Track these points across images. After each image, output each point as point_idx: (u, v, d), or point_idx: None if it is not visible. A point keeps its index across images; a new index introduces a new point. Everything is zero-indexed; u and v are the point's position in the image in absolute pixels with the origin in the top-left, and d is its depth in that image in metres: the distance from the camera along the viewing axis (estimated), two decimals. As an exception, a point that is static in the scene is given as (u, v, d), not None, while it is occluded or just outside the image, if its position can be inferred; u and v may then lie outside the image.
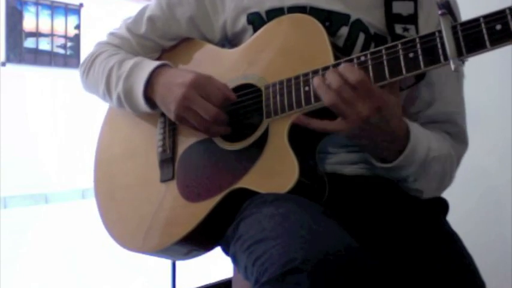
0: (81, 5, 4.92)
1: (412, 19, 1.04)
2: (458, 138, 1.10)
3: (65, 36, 4.83)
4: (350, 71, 0.88)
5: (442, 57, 0.84)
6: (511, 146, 2.04)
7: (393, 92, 0.91)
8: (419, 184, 1.02)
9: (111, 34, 1.24)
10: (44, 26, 4.70)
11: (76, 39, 4.88)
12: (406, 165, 0.96)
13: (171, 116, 1.07)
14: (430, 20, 1.04)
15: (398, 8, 1.04)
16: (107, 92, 1.17)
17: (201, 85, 1.03)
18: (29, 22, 4.60)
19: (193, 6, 1.13)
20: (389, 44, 0.89)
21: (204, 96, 1.02)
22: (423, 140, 0.98)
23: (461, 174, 1.10)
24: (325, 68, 0.93)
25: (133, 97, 1.11)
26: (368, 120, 0.88)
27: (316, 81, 0.91)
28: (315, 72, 0.95)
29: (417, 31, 1.03)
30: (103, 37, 1.26)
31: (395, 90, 0.93)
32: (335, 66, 0.92)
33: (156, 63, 1.10)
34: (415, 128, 0.97)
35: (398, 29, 1.03)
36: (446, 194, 1.12)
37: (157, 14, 1.17)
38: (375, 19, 1.04)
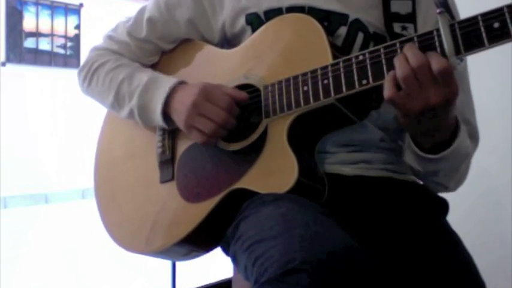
0: (81, 5, 4.92)
1: (411, 18, 1.04)
2: (470, 135, 1.09)
3: (65, 36, 4.83)
4: (436, 58, 0.83)
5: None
6: (511, 146, 2.04)
7: None
8: (447, 179, 1.02)
9: (109, 38, 1.22)
10: (44, 26, 4.70)
11: (76, 39, 4.88)
12: (448, 159, 0.95)
13: (181, 126, 1.06)
14: (428, 19, 1.04)
15: (396, 6, 1.04)
16: (117, 105, 1.16)
17: (209, 92, 1.03)
18: (29, 22, 4.60)
19: (192, 7, 1.13)
20: (388, 43, 0.89)
21: (213, 102, 1.02)
22: (464, 136, 0.98)
23: (461, 174, 1.10)
24: (324, 68, 0.93)
25: (150, 113, 1.11)
26: (433, 107, 0.85)
27: (398, 57, 0.85)
28: (314, 71, 0.95)
29: (416, 30, 1.03)
30: (100, 40, 1.24)
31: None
32: (333, 65, 0.92)
33: (173, 81, 1.09)
34: (461, 124, 0.97)
35: (397, 27, 1.03)
36: (446, 194, 1.12)
37: (156, 16, 1.16)
38: (373, 18, 1.05)
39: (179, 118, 1.06)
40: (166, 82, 1.10)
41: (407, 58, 0.85)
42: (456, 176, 1.03)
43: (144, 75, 1.13)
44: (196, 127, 1.04)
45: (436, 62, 0.83)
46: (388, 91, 0.86)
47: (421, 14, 1.05)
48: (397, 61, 0.86)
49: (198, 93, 1.03)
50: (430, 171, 1.00)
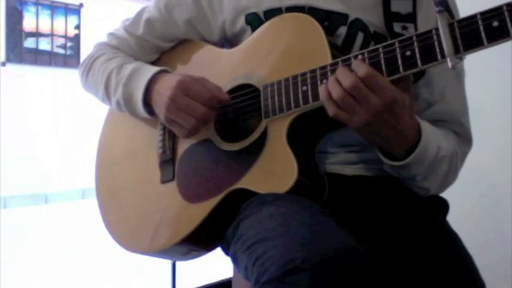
0: (81, 5, 4.92)
1: (411, 17, 1.04)
2: (463, 136, 1.10)
3: (65, 36, 4.83)
4: (359, 66, 0.87)
5: (439, 55, 0.83)
6: (511, 146, 2.04)
7: (405, 89, 0.90)
8: (428, 183, 1.02)
9: (110, 34, 1.24)
10: (44, 26, 4.70)
11: (76, 39, 4.88)
12: (417, 164, 0.96)
13: (162, 119, 1.08)
14: (429, 19, 1.04)
15: (396, 6, 1.04)
16: (106, 96, 1.17)
17: (187, 86, 1.04)
18: (29, 22, 4.61)
19: (191, 7, 1.13)
20: (387, 43, 0.89)
21: (191, 96, 1.03)
22: (434, 139, 0.98)
23: (461, 174, 1.10)
24: (323, 68, 0.93)
25: (133, 103, 1.12)
26: (377, 115, 0.87)
27: (329, 80, 0.89)
28: (313, 71, 0.95)
29: (416, 29, 1.02)
30: (102, 37, 1.26)
31: (408, 87, 0.92)
32: (332, 65, 0.92)
33: (155, 69, 1.10)
34: (426, 127, 0.97)
35: (397, 27, 1.03)
36: (446, 194, 1.12)
37: (156, 16, 1.17)
38: (374, 18, 1.04)
39: (159, 111, 1.07)
40: (147, 72, 1.10)
41: (339, 81, 0.87)
42: (436, 178, 1.02)
43: (130, 66, 1.14)
44: (176, 121, 1.05)
45: (360, 70, 0.86)
46: (330, 110, 0.89)
47: (421, 13, 1.05)
48: (330, 85, 0.89)
49: (176, 86, 1.03)
50: (406, 176, 1.01)
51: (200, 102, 1.02)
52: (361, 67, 0.87)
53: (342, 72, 0.88)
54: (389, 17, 1.03)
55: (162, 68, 1.11)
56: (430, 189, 1.04)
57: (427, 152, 0.96)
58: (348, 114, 0.88)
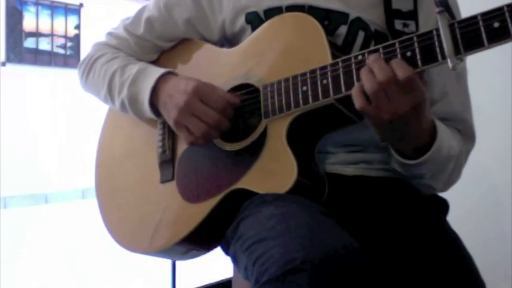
0: (81, 5, 4.92)
1: (412, 15, 1.04)
2: (466, 134, 1.10)
3: (65, 36, 4.83)
4: (401, 67, 0.85)
5: (439, 56, 0.83)
6: (511, 146, 2.04)
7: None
8: (435, 181, 1.03)
9: (109, 34, 1.24)
10: (44, 26, 4.70)
11: (76, 39, 4.88)
12: (430, 162, 0.96)
13: (170, 122, 1.07)
14: (430, 16, 1.04)
15: (397, 3, 1.04)
16: (109, 97, 1.17)
17: (203, 92, 1.03)
18: (29, 22, 4.61)
19: (191, 7, 1.13)
20: (387, 43, 0.89)
21: (206, 102, 1.02)
22: (446, 138, 0.98)
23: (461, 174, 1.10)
24: (323, 68, 0.93)
25: (139, 104, 1.11)
26: (402, 115, 0.86)
27: (365, 71, 0.87)
28: (313, 71, 0.94)
29: (417, 27, 1.02)
30: (101, 37, 1.26)
31: (425, 84, 0.91)
32: (332, 65, 0.92)
33: (161, 70, 1.10)
34: (439, 125, 0.97)
35: (398, 24, 1.02)
36: (446, 194, 1.12)
37: (155, 15, 1.17)
38: (374, 16, 1.04)
39: (168, 114, 1.06)
40: (154, 73, 1.10)
41: (373, 72, 0.86)
42: (443, 176, 1.03)
43: (136, 66, 1.13)
44: (186, 126, 1.04)
45: (401, 72, 0.84)
46: (359, 103, 0.88)
47: (422, 11, 1.05)
48: (364, 75, 0.87)
49: (192, 92, 1.03)
50: (415, 175, 1.01)
51: (214, 109, 1.02)
52: (400, 68, 0.85)
53: (376, 64, 0.86)
54: (390, 14, 1.03)
55: (169, 69, 1.11)
56: (436, 187, 1.05)
57: (441, 151, 0.96)
58: (374, 110, 0.87)
